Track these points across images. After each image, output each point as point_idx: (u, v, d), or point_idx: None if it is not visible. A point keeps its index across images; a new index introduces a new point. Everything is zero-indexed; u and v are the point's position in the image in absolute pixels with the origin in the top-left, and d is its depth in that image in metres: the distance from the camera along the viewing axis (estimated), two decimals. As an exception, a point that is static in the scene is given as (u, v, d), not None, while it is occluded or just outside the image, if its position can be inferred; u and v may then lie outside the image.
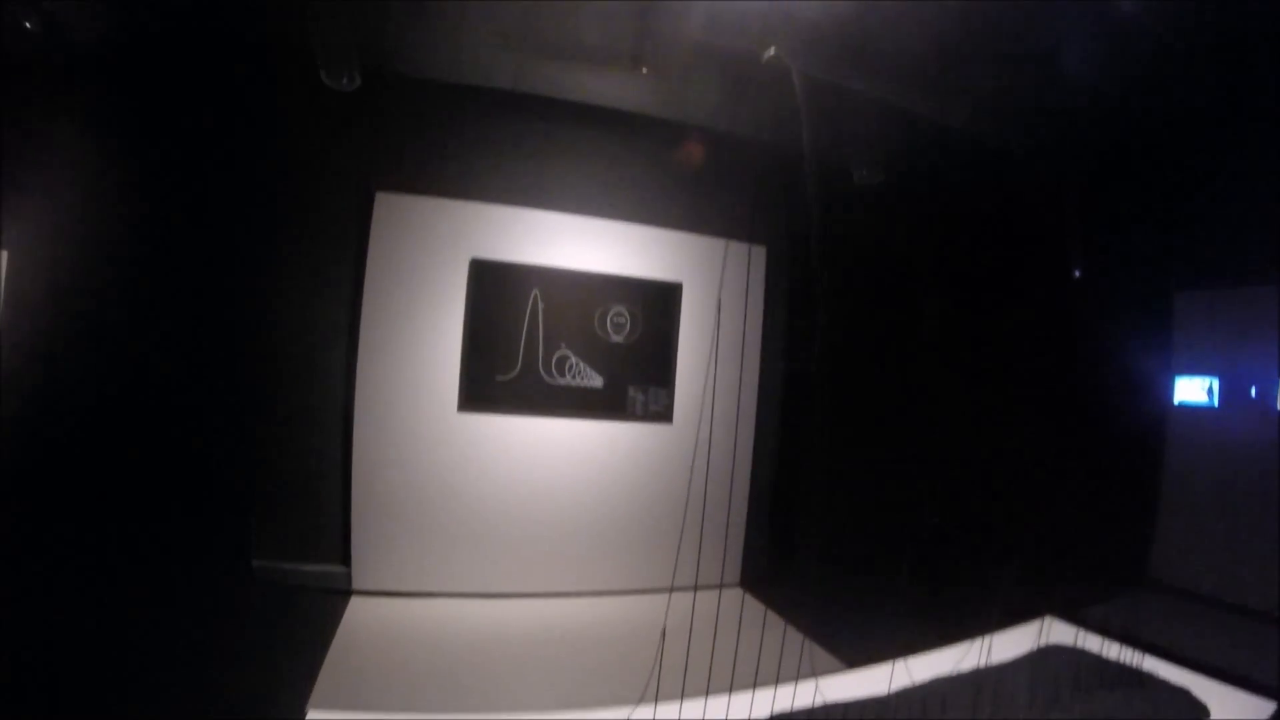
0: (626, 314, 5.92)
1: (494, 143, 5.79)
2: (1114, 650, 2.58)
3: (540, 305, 5.70)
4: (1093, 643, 2.66)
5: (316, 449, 5.66)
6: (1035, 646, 2.78)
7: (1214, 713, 2.28)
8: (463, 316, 5.64)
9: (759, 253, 6.42)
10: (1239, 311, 6.27)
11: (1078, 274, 7.25)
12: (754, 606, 5.86)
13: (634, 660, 4.05)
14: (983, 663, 2.49)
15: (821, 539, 6.72)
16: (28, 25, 4.45)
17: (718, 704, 2.96)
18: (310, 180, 5.58)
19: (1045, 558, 6.64)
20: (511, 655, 4.76)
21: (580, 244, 5.87)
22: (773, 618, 5.52)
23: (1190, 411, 6.58)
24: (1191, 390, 6.57)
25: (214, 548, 5.46)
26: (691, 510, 5.90)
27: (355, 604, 5.44)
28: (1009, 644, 2.75)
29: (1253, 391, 6.06)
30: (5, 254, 4.94)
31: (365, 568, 5.58)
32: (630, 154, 6.06)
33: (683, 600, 5.70)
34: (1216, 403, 6.35)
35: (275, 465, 5.61)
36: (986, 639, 2.67)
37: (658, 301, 6.03)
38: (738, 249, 6.21)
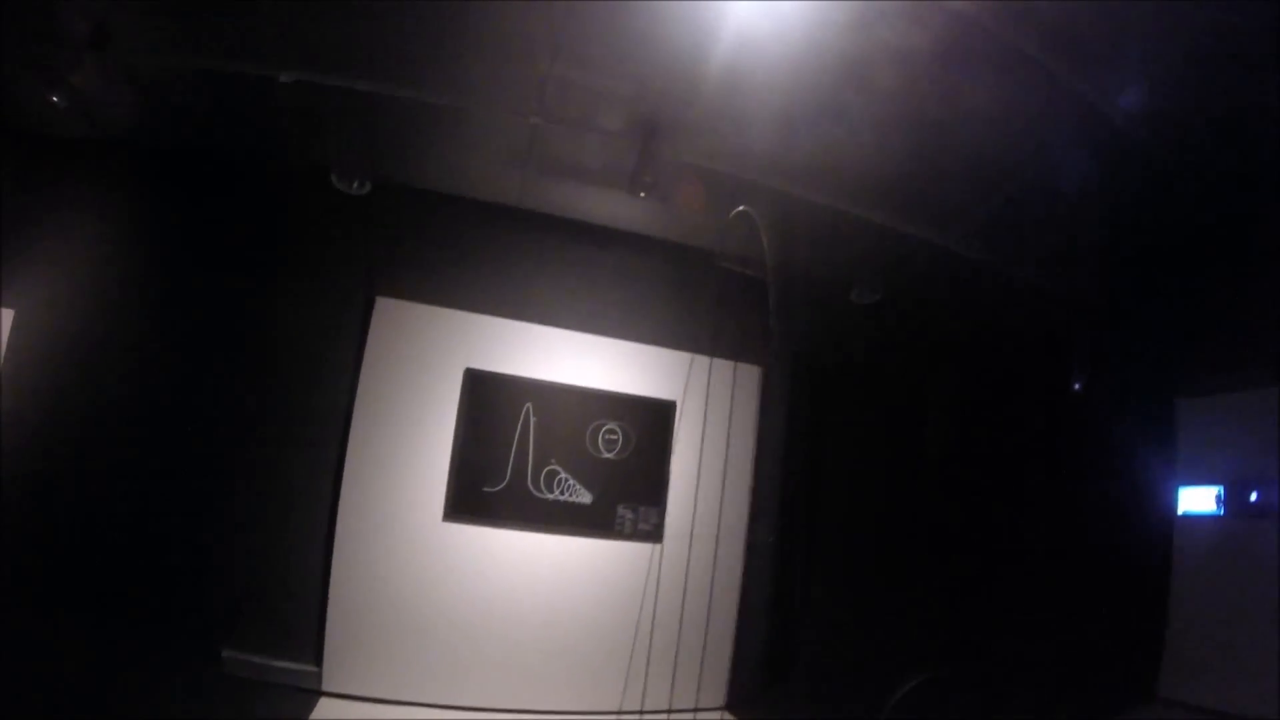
0: (619, 431, 5.95)
1: (495, 255, 5.91)
2: None
3: (532, 418, 5.74)
4: None
5: (299, 544, 5.68)
6: None
7: None
8: (454, 425, 5.67)
9: (753, 372, 6.47)
10: (1240, 416, 6.25)
11: (1077, 386, 7.23)
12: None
13: None
14: None
15: (810, 662, 6.66)
16: (55, 99, 4.56)
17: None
18: (313, 279, 5.69)
19: (1053, 677, 6.58)
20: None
21: (575, 359, 5.93)
22: None
23: (1196, 521, 6.49)
24: (1196, 499, 6.49)
25: (185, 635, 5.45)
26: (679, 631, 5.92)
27: (324, 704, 5.42)
28: None
29: (1253, 496, 5.98)
30: (11, 313, 5.03)
31: (337, 669, 5.57)
32: (628, 272, 6.15)
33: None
34: (1222, 510, 6.26)
35: (257, 557, 5.62)
36: None
37: (651, 419, 6.06)
38: (732, 368, 6.25)
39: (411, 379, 5.65)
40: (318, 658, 5.60)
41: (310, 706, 5.36)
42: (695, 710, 6.04)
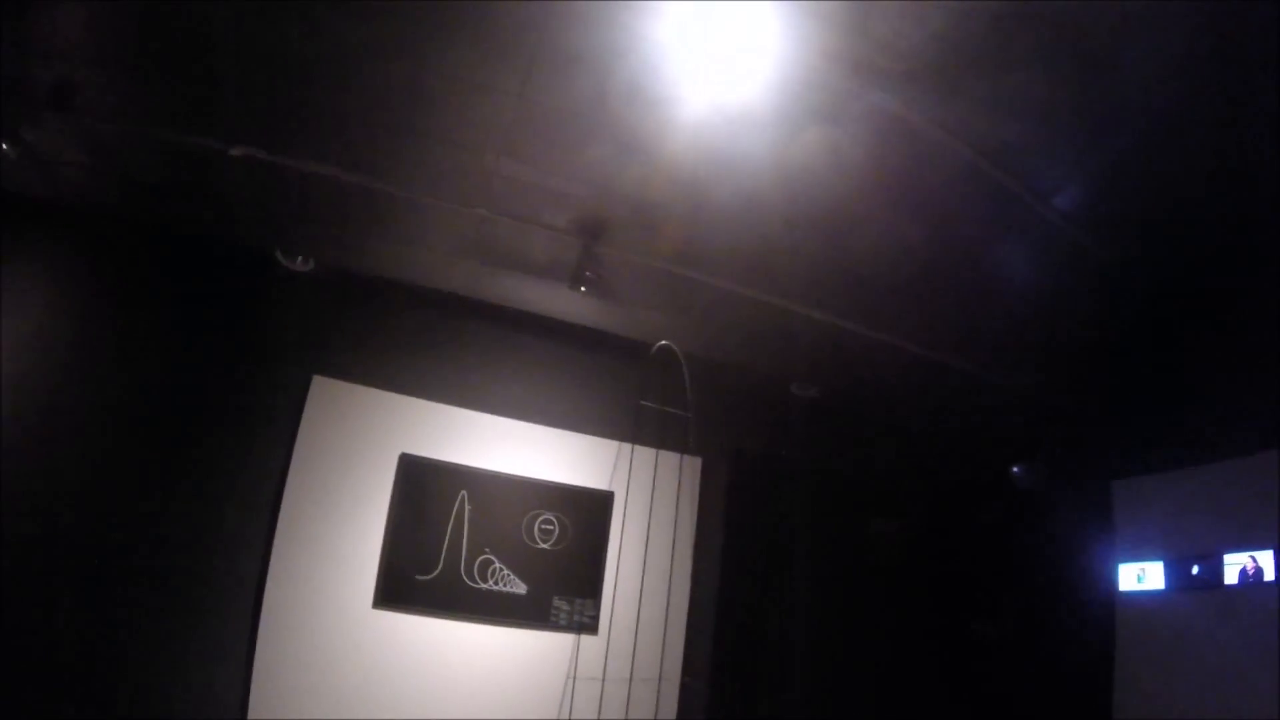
0: (555, 521, 5.98)
1: (435, 340, 5.98)
2: None
3: (467, 506, 5.75)
4: None
5: (221, 629, 5.56)
6: None
7: None
8: (387, 510, 5.63)
9: (694, 463, 6.54)
10: (1176, 494, 6.47)
11: (1016, 471, 7.42)
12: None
13: None
14: None
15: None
16: (4, 147, 4.56)
17: None
18: (251, 354, 5.69)
19: None
20: None
21: (513, 447, 5.97)
22: None
23: (1137, 597, 6.67)
24: (1135, 575, 6.68)
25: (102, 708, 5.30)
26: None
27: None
28: None
29: (1195, 569, 6.16)
30: None
31: (261, 763, 5.41)
32: (568, 362, 6.23)
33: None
34: (1163, 585, 6.44)
35: (174, 642, 5.48)
36: None
37: (588, 510, 6.11)
38: (672, 459, 6.33)
39: (345, 461, 5.63)
40: (239, 753, 5.44)
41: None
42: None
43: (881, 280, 5.27)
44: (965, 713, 7.49)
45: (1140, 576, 6.62)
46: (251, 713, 5.42)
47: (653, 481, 6.21)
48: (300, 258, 5.52)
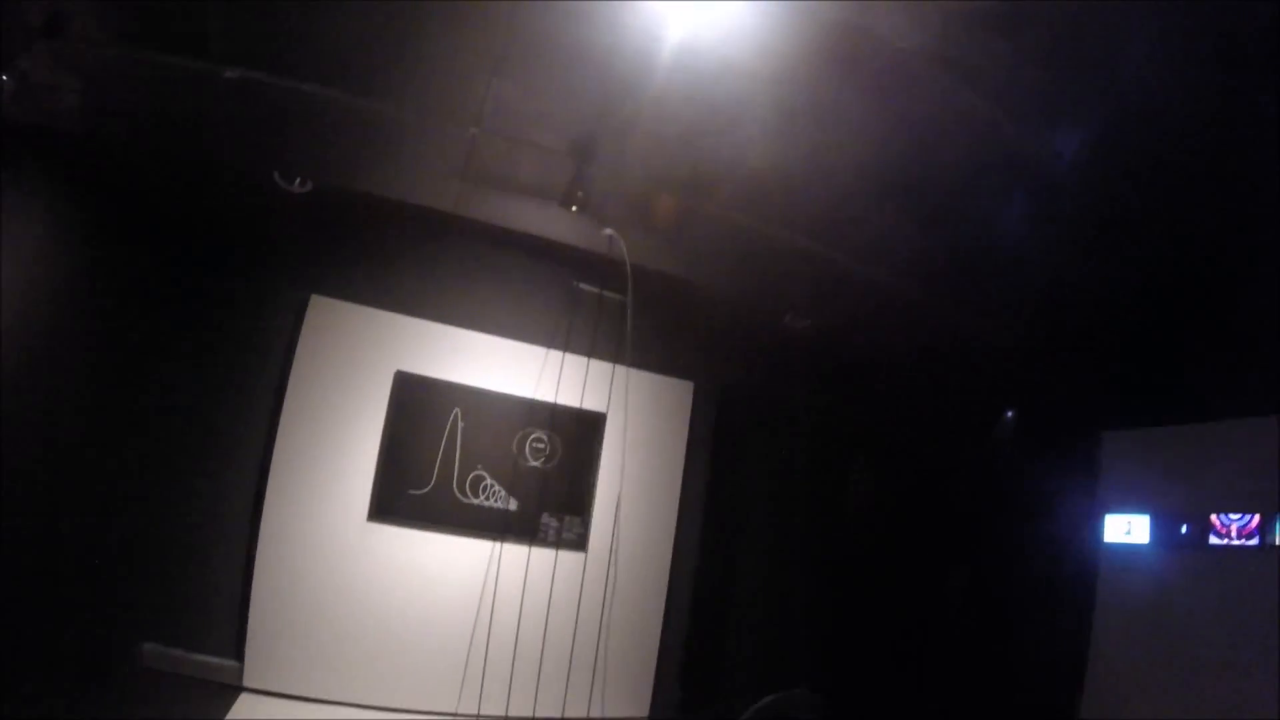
0: (546, 440, 6.14)
1: (431, 260, 6.05)
2: None
3: (460, 423, 5.91)
4: None
5: (222, 538, 5.82)
6: None
7: None
8: (382, 426, 5.83)
9: (685, 387, 6.70)
10: (1168, 450, 6.52)
11: (1009, 414, 7.50)
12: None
13: None
14: None
15: (733, 678, 6.90)
16: (4, 78, 4.63)
17: None
18: (251, 275, 5.87)
19: (975, 703, 6.86)
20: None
21: (506, 367, 6.10)
22: None
23: (1121, 551, 6.75)
24: (1121, 529, 6.76)
25: (105, 628, 5.58)
26: (602, 640, 6.14)
27: (244, 700, 5.58)
28: None
29: (1183, 528, 6.24)
30: None
31: (258, 665, 5.72)
32: (563, 283, 6.32)
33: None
34: (1147, 540, 6.53)
35: (180, 551, 5.76)
36: None
37: (579, 430, 6.27)
38: (664, 383, 6.47)
39: (341, 378, 5.81)
40: (239, 653, 5.74)
41: (230, 702, 5.50)
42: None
43: (876, 215, 5.28)
44: (940, 656, 7.68)
45: (1127, 530, 6.72)
46: (252, 618, 5.70)
47: (637, 405, 6.36)
48: (299, 180, 5.60)
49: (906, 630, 7.69)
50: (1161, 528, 6.45)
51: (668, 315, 6.58)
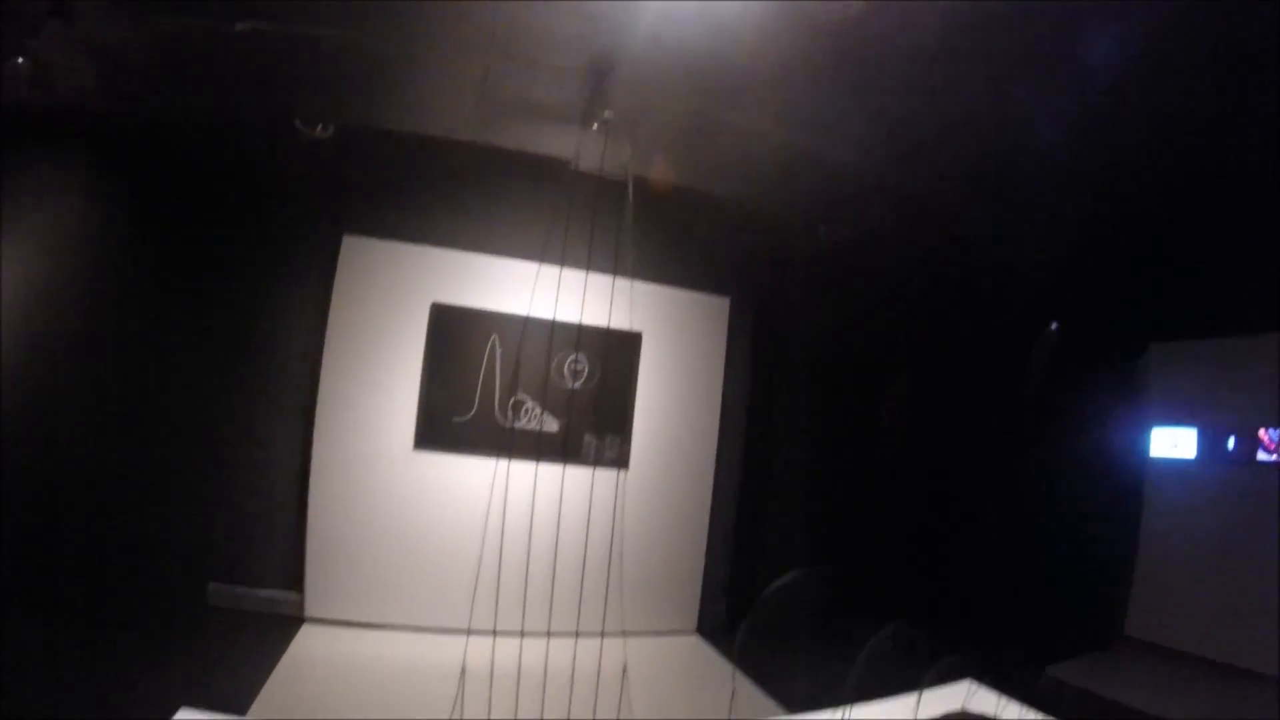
0: (584, 361, 6.25)
1: (459, 191, 6.14)
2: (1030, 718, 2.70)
3: (498, 350, 6.04)
4: (1010, 712, 2.79)
5: (276, 478, 6.06)
6: (959, 708, 2.89)
7: None
8: (422, 358, 5.98)
9: (721, 304, 6.73)
10: (1215, 363, 6.46)
11: (1054, 325, 7.43)
12: (707, 653, 6.19)
13: (579, 700, 4.34)
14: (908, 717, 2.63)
15: (778, 589, 6.95)
16: (20, 60, 4.79)
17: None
18: (282, 222, 6.00)
19: (1021, 614, 6.87)
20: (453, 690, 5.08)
21: (540, 292, 6.17)
22: (724, 665, 5.96)
23: (1167, 465, 6.73)
24: (1168, 442, 6.71)
25: (172, 571, 5.86)
26: (648, 556, 6.26)
27: (306, 630, 5.81)
28: (929, 704, 2.89)
29: (1230, 443, 6.20)
30: None
31: (317, 596, 5.96)
32: (592, 205, 6.35)
33: (638, 645, 6.07)
34: (1194, 455, 6.50)
35: (237, 493, 6.00)
36: (915, 695, 2.84)
37: (617, 350, 6.36)
38: (699, 300, 6.53)
39: (379, 314, 5.96)
40: (299, 586, 5.96)
41: (293, 633, 5.73)
42: (665, 634, 6.41)
43: (911, 125, 5.18)
44: (984, 571, 7.68)
45: (1174, 444, 6.68)
46: (309, 552, 5.92)
47: (673, 323, 6.42)
48: (320, 125, 5.72)
49: (951, 543, 7.69)
50: (1208, 442, 6.41)
51: (701, 232, 6.60)
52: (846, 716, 2.50)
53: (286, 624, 5.86)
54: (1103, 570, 7.07)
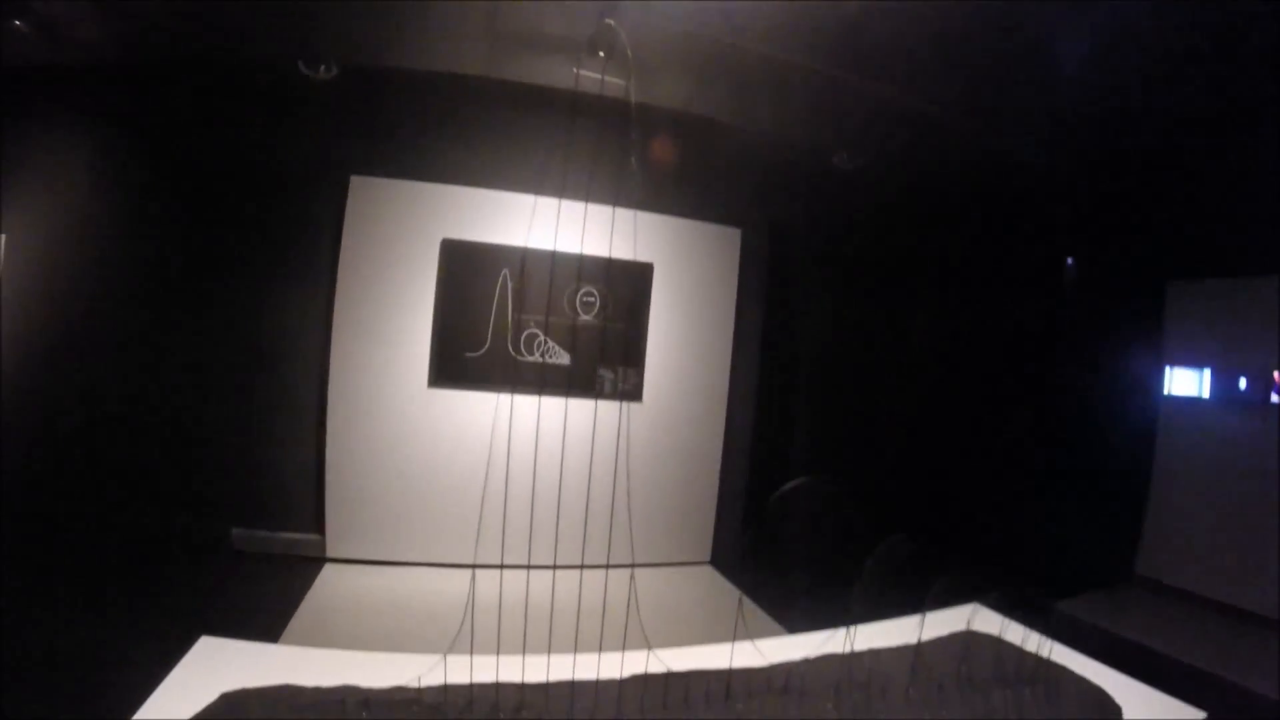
0: (596, 294, 6.28)
1: (465, 127, 6.18)
2: (1034, 643, 2.67)
3: (509, 284, 6.07)
4: (1014, 634, 2.77)
5: (294, 422, 6.14)
6: (963, 629, 2.89)
7: (1132, 713, 2.29)
8: (434, 295, 6.02)
9: (733, 234, 6.74)
10: (1231, 302, 6.38)
11: (1070, 261, 7.38)
12: (720, 583, 6.21)
13: (594, 627, 4.36)
14: (910, 639, 2.60)
15: (792, 519, 6.95)
16: (18, 24, 4.89)
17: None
18: (289, 166, 6.05)
19: (1031, 552, 6.81)
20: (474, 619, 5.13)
21: (550, 225, 6.20)
22: (735, 594, 6.00)
23: (1181, 403, 6.70)
24: (1182, 382, 6.68)
25: (196, 519, 5.97)
26: (661, 488, 6.29)
27: (328, 570, 5.89)
28: (932, 626, 2.87)
29: (1242, 383, 6.17)
30: (3, 237, 5.45)
31: (338, 536, 6.05)
32: (600, 137, 6.37)
33: (652, 575, 6.10)
34: (1208, 394, 6.46)
35: (256, 439, 6.09)
36: (918, 617, 2.82)
37: (628, 282, 6.40)
38: (711, 230, 6.54)
39: (390, 253, 6.01)
40: (320, 527, 6.05)
41: (316, 573, 5.81)
42: (679, 564, 6.45)
43: (929, 48, 5.06)
44: (997, 505, 7.62)
45: (1188, 383, 6.64)
46: (328, 494, 6.03)
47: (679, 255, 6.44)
48: (323, 66, 5.79)
49: (964, 475, 7.64)
50: (1222, 382, 6.36)
51: (712, 162, 6.59)
52: (851, 638, 2.51)
53: (310, 565, 5.94)
54: (1114, 508, 7.02)
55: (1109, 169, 6.35)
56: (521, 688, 2.01)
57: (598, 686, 2.08)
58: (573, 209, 6.04)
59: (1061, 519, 7.04)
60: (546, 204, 6.23)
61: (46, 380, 5.54)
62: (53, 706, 2.65)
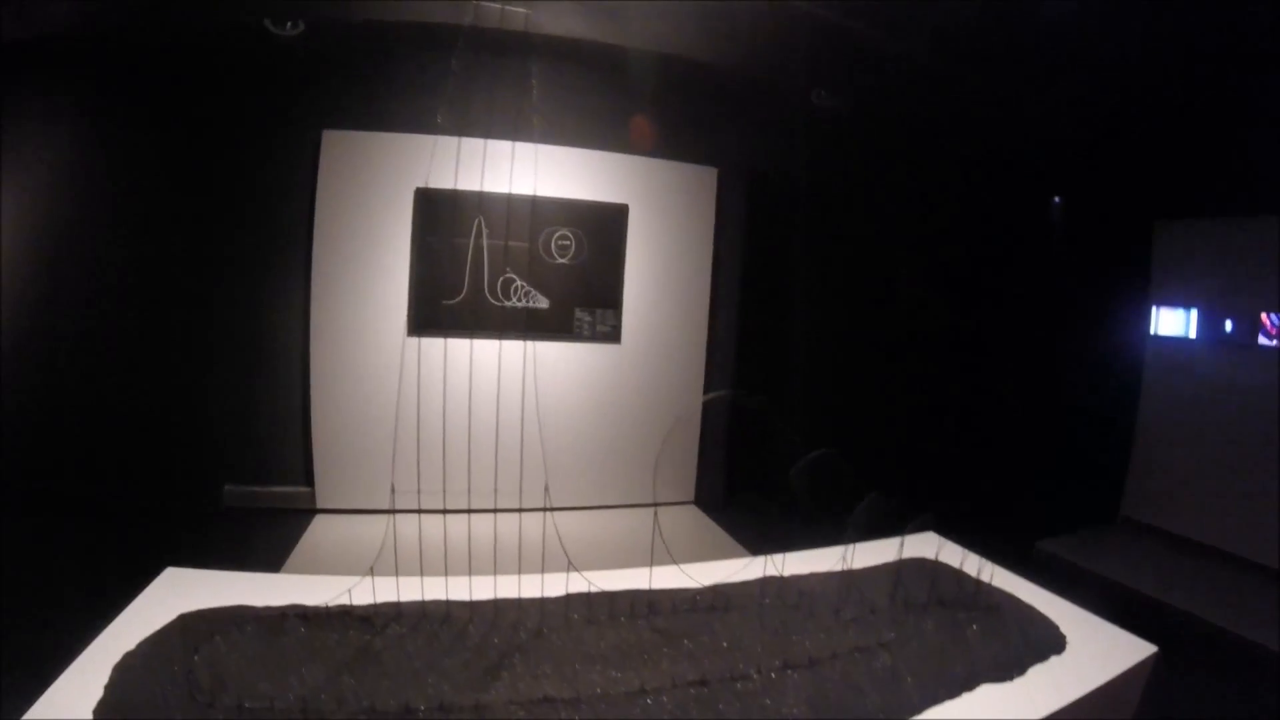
0: (571, 236, 6.44)
1: (434, 77, 6.29)
2: (987, 574, 2.80)
3: (485, 230, 6.24)
4: (971, 565, 2.89)
5: (278, 377, 6.39)
6: (909, 558, 3.02)
7: (1082, 645, 2.37)
8: (409, 245, 6.20)
9: (709, 174, 6.86)
10: (1220, 243, 6.52)
11: (1056, 200, 7.48)
12: (704, 521, 6.48)
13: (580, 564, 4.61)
14: (850, 564, 2.67)
15: (775, 458, 7.16)
16: None
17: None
18: (260, 124, 6.18)
19: (1016, 492, 7.03)
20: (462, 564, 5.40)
21: (523, 170, 6.35)
22: (718, 532, 6.32)
23: (1167, 343, 6.88)
24: (1169, 322, 6.86)
25: (187, 478, 6.26)
26: (644, 429, 6.52)
27: (318, 521, 6.19)
28: (885, 552, 3.03)
29: (1228, 325, 6.33)
30: None
31: (327, 488, 6.32)
32: (570, 80, 6.50)
33: (635, 515, 6.35)
34: (1194, 335, 6.64)
35: (241, 396, 6.36)
36: (860, 545, 2.91)
37: (603, 224, 6.55)
38: (686, 170, 6.68)
39: (365, 205, 6.17)
40: (309, 480, 6.31)
41: (307, 525, 6.10)
42: (664, 504, 6.73)
43: None
44: (983, 443, 7.80)
45: (1174, 323, 6.82)
46: (315, 447, 6.32)
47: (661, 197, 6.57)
48: (289, 23, 5.89)
49: (949, 415, 7.82)
50: (1209, 323, 6.53)
51: (686, 100, 6.70)
52: (782, 563, 2.67)
53: (301, 517, 6.23)
54: (1101, 447, 7.24)
55: (1097, 108, 6.36)
56: (448, 603, 2.24)
57: (521, 603, 2.30)
58: (546, 153, 6.28)
59: (1046, 459, 7.25)
60: (519, 149, 6.37)
61: (38, 342, 5.80)
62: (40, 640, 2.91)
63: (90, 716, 1.63)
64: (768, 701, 1.93)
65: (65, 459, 5.84)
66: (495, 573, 2.38)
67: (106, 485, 5.91)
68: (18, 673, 1.94)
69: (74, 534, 5.41)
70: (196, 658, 1.84)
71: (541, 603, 2.31)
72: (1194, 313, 6.67)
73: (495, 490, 2.85)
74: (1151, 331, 7.00)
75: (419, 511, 2.59)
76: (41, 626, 3.38)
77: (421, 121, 6.25)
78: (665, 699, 1.90)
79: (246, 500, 6.37)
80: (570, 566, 2.45)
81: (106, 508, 5.77)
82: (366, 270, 6.22)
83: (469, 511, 2.92)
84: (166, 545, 5.27)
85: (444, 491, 2.83)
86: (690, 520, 6.71)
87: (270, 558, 5.37)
